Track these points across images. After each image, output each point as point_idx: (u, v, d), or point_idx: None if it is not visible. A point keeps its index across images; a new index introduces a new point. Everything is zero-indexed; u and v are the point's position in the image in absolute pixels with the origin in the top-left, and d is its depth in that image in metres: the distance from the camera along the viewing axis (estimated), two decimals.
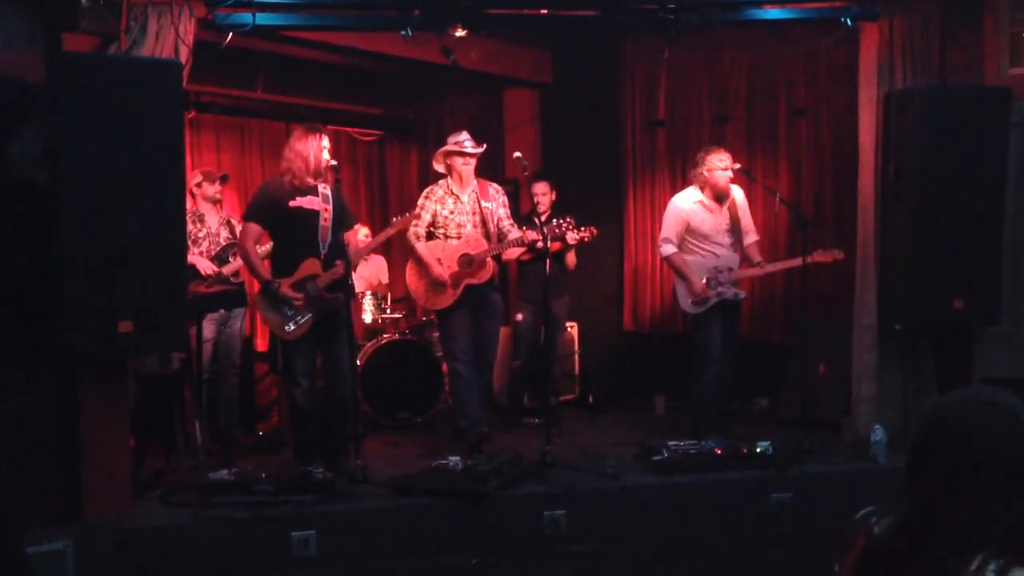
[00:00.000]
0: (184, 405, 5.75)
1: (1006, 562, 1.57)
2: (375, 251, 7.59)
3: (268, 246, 5.76)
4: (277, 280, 5.34)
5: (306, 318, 5.34)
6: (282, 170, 5.45)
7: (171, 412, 5.60)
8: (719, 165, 6.05)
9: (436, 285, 5.97)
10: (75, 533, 4.38)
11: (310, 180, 5.34)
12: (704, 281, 6.04)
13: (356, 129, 9.01)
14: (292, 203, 5.34)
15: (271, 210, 5.38)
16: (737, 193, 6.25)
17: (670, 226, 6.20)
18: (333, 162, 5.36)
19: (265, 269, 5.44)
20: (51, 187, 4.44)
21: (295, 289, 5.32)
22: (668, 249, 6.18)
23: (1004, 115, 5.46)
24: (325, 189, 5.42)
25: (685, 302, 6.15)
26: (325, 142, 5.38)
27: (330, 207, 5.42)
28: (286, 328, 5.36)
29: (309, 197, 5.36)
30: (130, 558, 4.52)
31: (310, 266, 5.35)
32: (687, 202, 6.19)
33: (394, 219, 6.20)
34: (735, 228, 6.20)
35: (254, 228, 5.43)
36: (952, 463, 1.66)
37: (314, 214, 5.37)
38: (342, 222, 5.48)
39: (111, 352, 4.70)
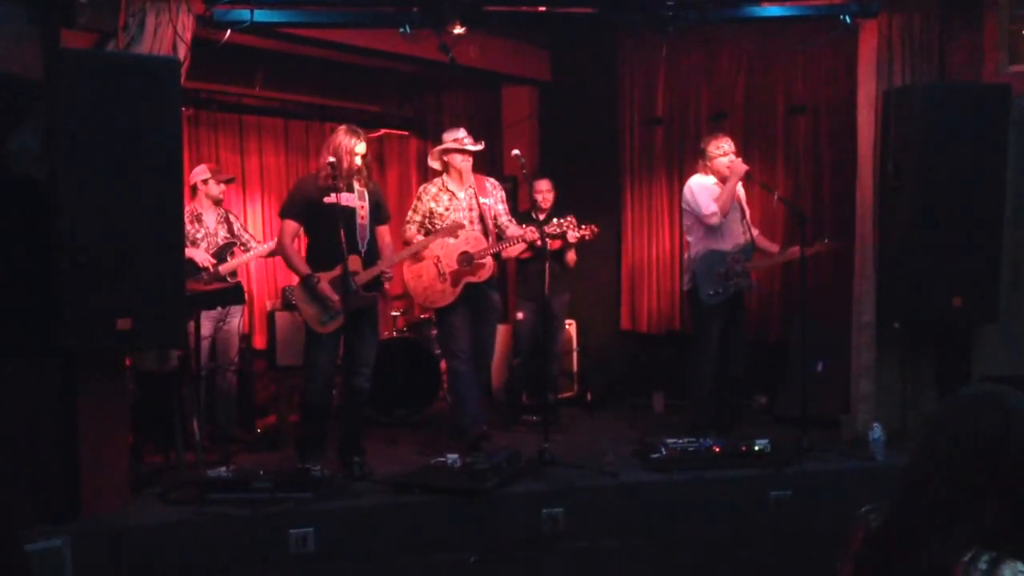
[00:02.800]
0: (182, 402, 5.74)
1: (999, 554, 1.58)
2: None
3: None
4: (317, 275, 5.35)
5: (341, 314, 5.36)
6: (317, 167, 5.51)
7: (169, 409, 5.59)
8: (718, 152, 6.09)
9: (435, 281, 5.95)
10: (73, 530, 4.37)
11: (341, 180, 5.34)
12: (727, 262, 6.05)
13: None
14: (327, 200, 5.34)
15: (306, 206, 5.41)
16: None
17: (705, 199, 6.09)
18: (332, 159, 5.30)
19: (304, 264, 5.44)
20: (49, 184, 4.43)
21: (334, 285, 5.33)
22: (720, 217, 6.09)
23: (1003, 112, 5.46)
24: (361, 187, 5.43)
25: (706, 293, 6.07)
26: (361, 146, 5.39)
27: (366, 204, 5.44)
28: (322, 320, 5.37)
29: (344, 194, 5.37)
30: (128, 555, 4.51)
31: (350, 262, 5.35)
32: (706, 180, 6.19)
33: (409, 247, 6.06)
34: (743, 216, 6.25)
35: (291, 225, 5.47)
36: (958, 456, 1.67)
37: (350, 211, 5.38)
38: (377, 220, 5.53)
39: (109, 349, 4.70)
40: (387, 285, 5.80)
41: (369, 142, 5.71)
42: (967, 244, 5.46)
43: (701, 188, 6.14)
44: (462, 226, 5.91)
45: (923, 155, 5.45)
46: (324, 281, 5.34)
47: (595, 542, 4.97)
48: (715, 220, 6.07)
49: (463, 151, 5.96)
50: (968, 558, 1.59)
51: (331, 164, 5.29)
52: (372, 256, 5.46)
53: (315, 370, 5.47)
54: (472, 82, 8.41)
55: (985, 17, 5.74)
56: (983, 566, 1.58)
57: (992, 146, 5.45)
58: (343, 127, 5.48)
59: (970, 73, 5.77)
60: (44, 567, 4.10)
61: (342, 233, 5.27)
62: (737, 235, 6.17)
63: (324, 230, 5.42)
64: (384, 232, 5.65)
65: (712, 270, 6.06)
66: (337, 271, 5.35)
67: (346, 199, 5.38)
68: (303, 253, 5.58)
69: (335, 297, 5.31)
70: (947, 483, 1.67)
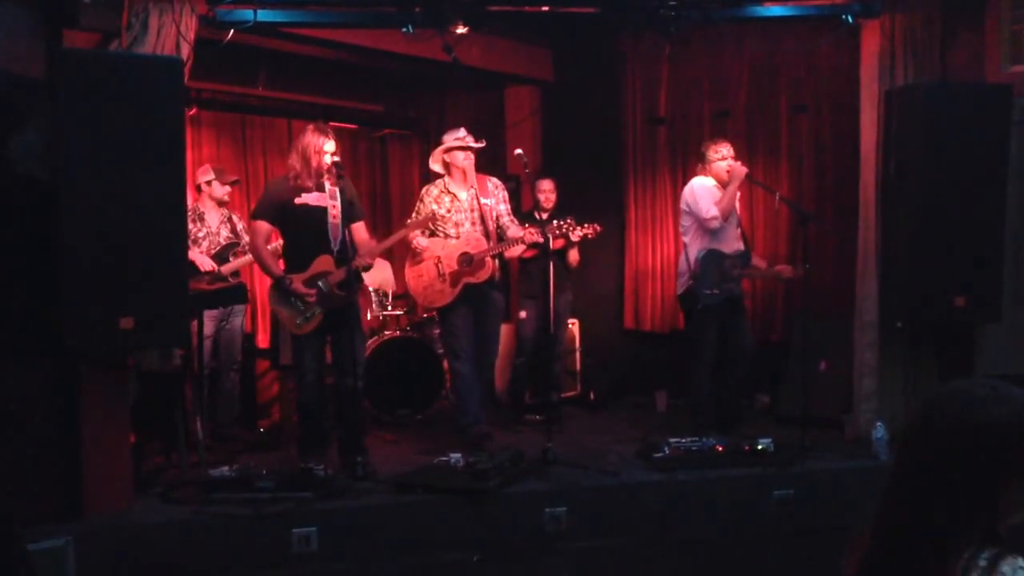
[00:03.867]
0: (185, 402, 5.75)
1: (999, 550, 1.58)
2: (380, 256, 7.54)
3: (278, 243, 5.79)
4: (289, 276, 5.36)
5: (316, 313, 5.36)
6: (287, 168, 5.50)
7: (172, 409, 5.59)
8: (716, 156, 6.10)
9: (435, 281, 5.95)
10: (76, 530, 4.38)
11: (311, 180, 5.36)
12: (725, 266, 6.06)
13: (357, 126, 9.00)
14: (297, 200, 5.38)
15: (277, 208, 5.44)
16: None
17: (706, 201, 6.08)
18: (336, 158, 5.36)
19: (277, 266, 5.48)
20: (52, 184, 4.43)
21: (308, 285, 5.34)
22: (720, 221, 6.09)
23: (1005, 112, 5.46)
24: (332, 186, 5.44)
25: (705, 290, 6.06)
26: (329, 145, 5.38)
27: (338, 203, 5.44)
28: (297, 323, 5.40)
29: (315, 194, 5.38)
30: (130, 555, 4.52)
31: (323, 263, 5.38)
32: (707, 183, 6.20)
33: (409, 220, 6.10)
34: (739, 222, 6.25)
35: (263, 226, 5.48)
36: (944, 454, 1.67)
37: (321, 211, 5.39)
38: (350, 218, 5.51)
39: (112, 349, 4.70)
40: (365, 281, 5.79)
41: (368, 141, 5.77)
42: (969, 244, 5.45)
43: (703, 190, 6.14)
44: (433, 216, 5.92)
45: (925, 155, 5.44)
46: (297, 281, 5.36)
47: (598, 542, 4.98)
48: (715, 224, 6.07)
49: (466, 148, 5.95)
50: (968, 555, 1.59)
51: (336, 164, 5.32)
52: (345, 255, 5.42)
53: (302, 370, 5.51)
54: (475, 82, 8.41)
55: (987, 17, 5.74)
56: (983, 563, 1.57)
57: (994, 146, 5.44)
58: (311, 126, 5.50)
59: (972, 73, 5.76)
60: (47, 566, 4.11)
61: (317, 234, 5.32)
62: (733, 240, 6.17)
63: (296, 231, 5.47)
64: (359, 228, 5.63)
65: (712, 269, 6.06)
66: (310, 271, 5.38)
67: (316, 199, 5.39)
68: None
69: (310, 291, 5.33)
70: (937, 484, 1.67)
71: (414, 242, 5.95)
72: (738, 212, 6.26)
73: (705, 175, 6.21)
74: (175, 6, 4.87)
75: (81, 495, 4.64)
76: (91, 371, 4.72)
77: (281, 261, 5.64)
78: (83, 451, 4.66)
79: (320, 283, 5.36)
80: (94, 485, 4.68)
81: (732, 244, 6.16)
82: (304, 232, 5.42)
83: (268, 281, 7.65)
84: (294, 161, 5.42)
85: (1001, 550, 1.58)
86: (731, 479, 5.26)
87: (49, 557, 4.14)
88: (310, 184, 5.38)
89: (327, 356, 5.61)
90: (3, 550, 2.55)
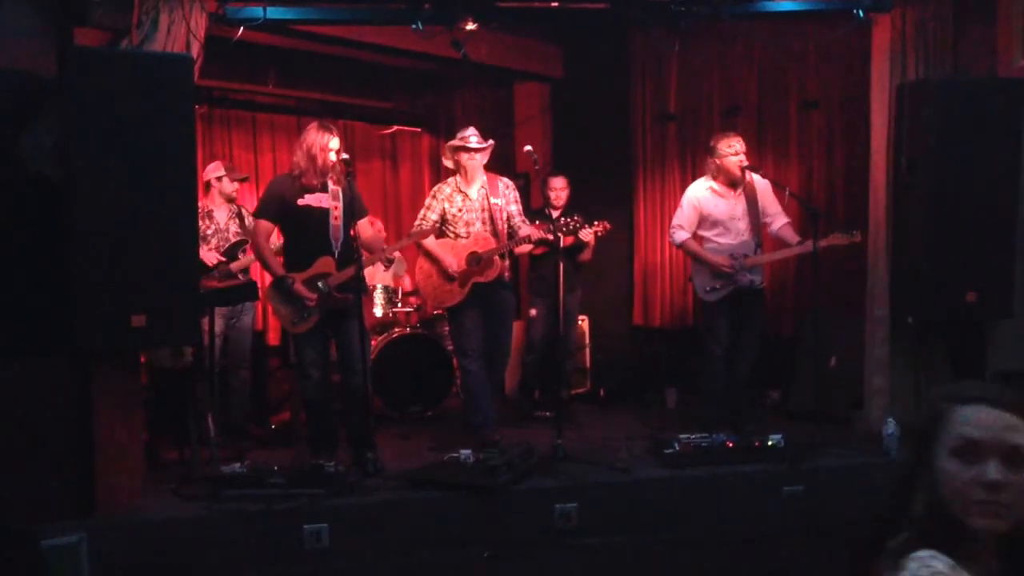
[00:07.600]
0: (196, 399, 5.76)
1: (908, 545, 1.61)
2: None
3: (278, 242, 5.80)
4: (291, 276, 5.36)
5: (315, 314, 5.37)
6: (291, 167, 5.49)
7: (183, 406, 5.61)
8: (729, 151, 6.04)
9: (445, 281, 5.94)
10: (89, 526, 4.40)
11: (316, 178, 5.36)
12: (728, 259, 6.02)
13: (367, 123, 9.02)
14: (300, 201, 5.36)
15: (279, 207, 5.42)
16: (757, 178, 6.20)
17: (682, 214, 6.19)
18: (345, 156, 5.37)
19: (278, 265, 5.47)
20: (63, 182, 4.44)
21: (307, 285, 5.34)
22: (680, 236, 6.17)
23: (1017, 106, 5.43)
24: (335, 186, 5.43)
25: (703, 290, 6.11)
26: (334, 142, 5.37)
27: (340, 204, 5.43)
28: (293, 322, 5.40)
29: (317, 195, 5.38)
30: (143, 551, 4.53)
31: (324, 264, 5.37)
32: (699, 190, 6.19)
33: (412, 230, 6.07)
34: (753, 213, 6.15)
35: (265, 225, 5.47)
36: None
37: (323, 212, 5.38)
38: (353, 217, 5.49)
39: (124, 346, 4.72)
40: (372, 280, 5.79)
41: (378, 138, 5.74)
42: (981, 239, 5.43)
43: (687, 201, 6.19)
44: (433, 231, 5.92)
45: (937, 150, 5.42)
46: (299, 282, 5.36)
47: (608, 538, 4.98)
48: (671, 237, 6.24)
49: (467, 149, 5.92)
50: (887, 555, 1.62)
51: (345, 161, 5.33)
52: (347, 257, 5.41)
53: (304, 368, 5.51)
54: (484, 79, 8.42)
55: (998, 11, 5.71)
56: (888, 560, 1.61)
57: (1006, 140, 5.42)
58: (315, 123, 5.47)
59: (984, 67, 5.73)
60: (61, 563, 4.13)
61: (318, 235, 5.34)
62: (736, 234, 6.11)
63: (298, 231, 5.47)
64: (364, 226, 5.62)
65: (704, 269, 6.08)
66: (311, 272, 5.38)
67: (318, 199, 5.39)
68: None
69: (312, 296, 5.33)
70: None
71: (424, 244, 5.95)
72: (744, 207, 6.20)
73: (712, 173, 6.15)
74: (185, 4, 4.87)
75: (94, 492, 4.65)
76: (103, 369, 4.74)
77: (280, 257, 5.64)
78: (96, 448, 4.68)
79: (320, 284, 5.36)
80: (107, 482, 4.70)
81: (736, 237, 6.11)
82: (306, 233, 5.41)
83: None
84: (299, 159, 5.39)
85: (909, 544, 1.59)
86: (741, 475, 5.25)
87: (63, 554, 4.17)
88: (315, 183, 5.36)
89: (332, 353, 5.62)
90: (18, 546, 2.56)
